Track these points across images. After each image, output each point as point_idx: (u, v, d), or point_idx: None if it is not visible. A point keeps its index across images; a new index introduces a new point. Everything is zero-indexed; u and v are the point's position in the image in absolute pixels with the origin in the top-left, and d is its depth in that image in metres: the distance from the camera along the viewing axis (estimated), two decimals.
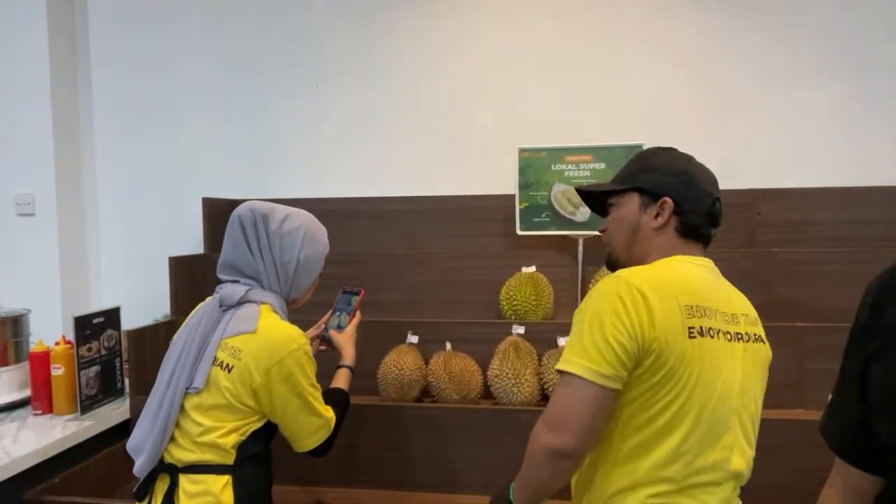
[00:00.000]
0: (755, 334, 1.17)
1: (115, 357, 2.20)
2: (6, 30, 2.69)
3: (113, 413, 2.12)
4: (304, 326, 1.68)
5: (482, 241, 2.56)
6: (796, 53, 2.49)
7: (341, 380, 1.66)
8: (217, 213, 2.59)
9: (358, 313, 1.79)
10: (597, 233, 2.31)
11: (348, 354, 1.72)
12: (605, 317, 1.05)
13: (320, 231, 1.57)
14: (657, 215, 1.21)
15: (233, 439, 1.36)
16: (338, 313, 1.80)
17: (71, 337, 2.07)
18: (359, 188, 2.71)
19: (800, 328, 2.03)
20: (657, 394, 1.06)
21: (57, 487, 1.76)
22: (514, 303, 2.24)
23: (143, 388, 2.15)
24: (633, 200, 1.24)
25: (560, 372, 1.08)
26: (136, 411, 2.15)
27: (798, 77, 2.49)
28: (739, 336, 1.13)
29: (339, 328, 1.76)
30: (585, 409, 1.03)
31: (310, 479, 2.01)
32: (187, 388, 1.37)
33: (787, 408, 1.99)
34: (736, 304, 1.17)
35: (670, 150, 1.31)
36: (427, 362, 2.12)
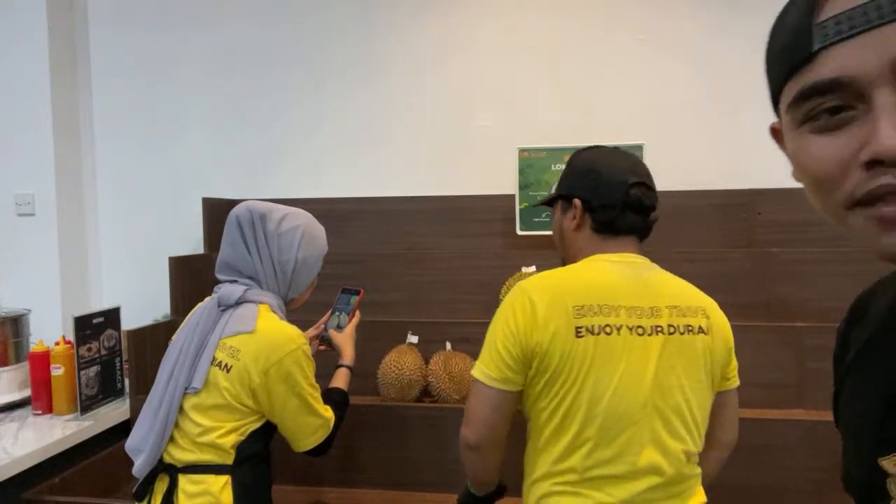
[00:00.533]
0: (686, 325, 1.17)
1: (115, 357, 2.20)
2: (6, 30, 2.69)
3: (113, 413, 2.12)
4: (304, 326, 1.68)
5: (482, 241, 2.55)
6: None
7: (340, 379, 1.66)
8: (217, 213, 2.59)
9: (357, 313, 1.79)
10: None
11: (347, 354, 1.71)
12: (497, 326, 1.18)
13: (318, 230, 1.57)
14: (574, 217, 1.28)
15: (232, 439, 1.36)
16: (337, 313, 1.80)
17: (71, 337, 2.07)
18: (359, 188, 2.71)
19: (800, 328, 2.03)
20: (550, 391, 1.15)
21: (57, 487, 1.76)
22: None
23: (143, 388, 2.15)
24: (557, 207, 1.34)
25: None
26: (136, 411, 2.15)
27: None
28: (658, 329, 1.15)
29: (339, 328, 1.76)
30: (483, 408, 1.18)
31: (309, 479, 2.01)
32: (186, 389, 1.37)
33: (786, 408, 1.99)
34: (662, 297, 1.18)
35: (587, 150, 1.35)
36: (427, 362, 2.12)
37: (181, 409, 1.38)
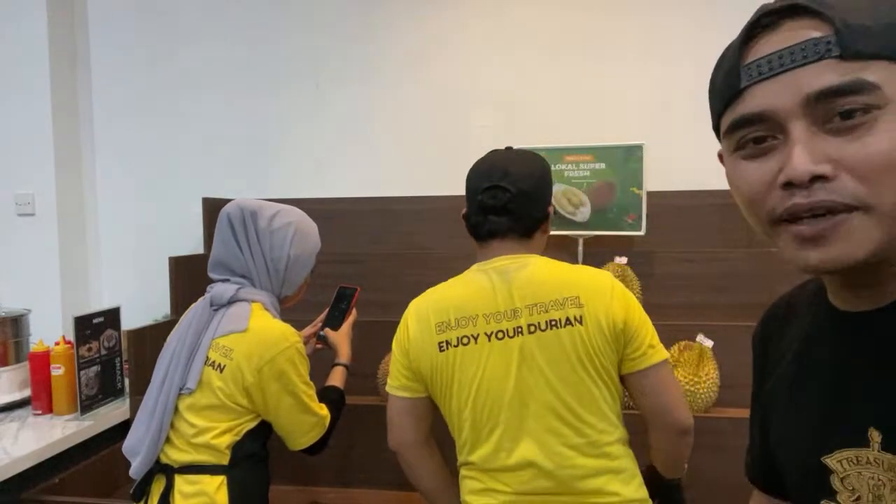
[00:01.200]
0: (548, 321, 1.18)
1: (115, 357, 2.20)
2: (6, 30, 2.69)
3: (113, 413, 2.12)
4: (300, 326, 1.69)
5: None
6: None
7: (336, 378, 1.66)
8: (217, 213, 2.59)
9: (354, 311, 1.79)
10: (597, 233, 2.32)
11: (344, 352, 1.72)
12: (393, 343, 1.34)
13: (311, 228, 1.56)
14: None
15: (227, 439, 1.35)
16: (334, 311, 1.79)
17: (71, 337, 2.07)
18: (359, 188, 2.71)
19: None
20: (435, 397, 1.29)
21: (57, 487, 1.77)
22: None
23: (142, 388, 2.13)
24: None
25: None
26: (136, 411, 2.14)
27: None
28: (518, 330, 1.20)
29: (335, 327, 1.76)
30: (392, 414, 1.34)
31: (309, 478, 2.01)
32: (180, 389, 1.36)
33: None
34: (523, 297, 1.21)
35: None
36: None
37: (176, 410, 1.37)
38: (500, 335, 1.20)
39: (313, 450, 1.49)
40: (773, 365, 0.72)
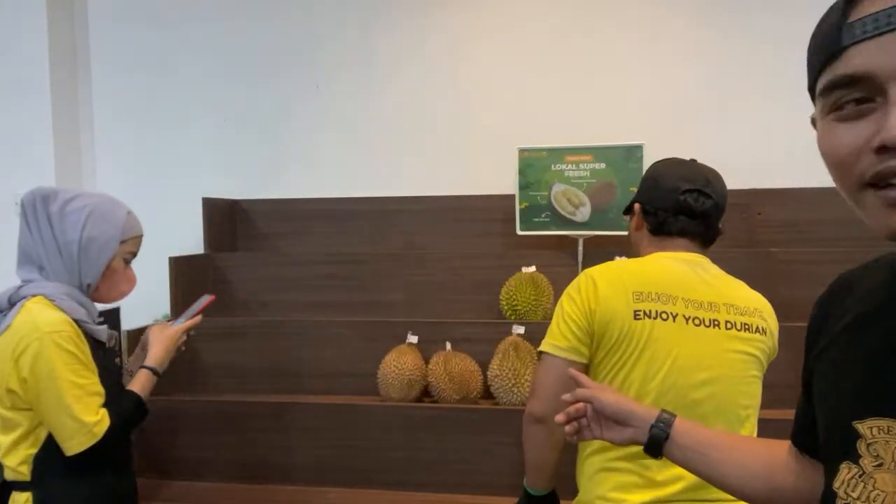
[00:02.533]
0: (743, 324, 1.23)
1: (114, 357, 2.20)
2: (6, 30, 2.69)
3: None
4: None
5: (482, 241, 2.55)
6: (797, 53, 2.48)
7: (138, 382, 1.46)
8: (217, 213, 2.60)
9: (198, 318, 1.63)
10: (597, 233, 2.32)
11: (154, 354, 1.51)
12: (562, 304, 1.27)
13: (115, 212, 1.43)
14: (634, 219, 1.39)
15: (22, 453, 1.27)
16: (187, 315, 1.66)
17: None
18: (359, 188, 2.71)
19: (800, 328, 2.01)
20: (606, 366, 1.23)
21: None
22: (515, 303, 2.24)
23: None
24: (630, 214, 1.43)
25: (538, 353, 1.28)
26: None
27: (799, 77, 2.48)
28: (715, 322, 1.22)
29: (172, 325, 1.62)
30: (550, 379, 1.22)
31: (309, 478, 2.01)
32: None
33: (786, 407, 1.99)
34: (720, 295, 1.25)
35: (660, 161, 1.44)
36: (427, 362, 2.12)
37: None
38: (696, 321, 1.21)
39: (93, 456, 1.30)
40: (827, 328, 0.73)
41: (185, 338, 1.58)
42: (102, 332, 1.42)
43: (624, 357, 1.21)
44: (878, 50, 0.53)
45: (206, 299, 1.70)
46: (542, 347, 1.26)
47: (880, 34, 0.53)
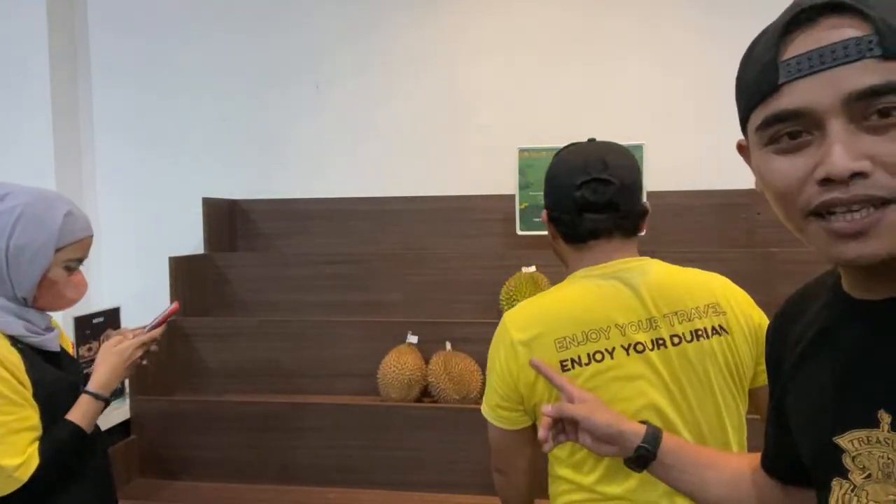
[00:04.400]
0: (693, 331, 1.07)
1: None
2: (6, 30, 2.69)
3: (113, 413, 2.12)
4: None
5: (482, 241, 2.55)
6: None
7: (77, 411, 1.27)
8: (217, 213, 2.60)
9: (160, 328, 1.51)
10: None
11: (99, 377, 1.34)
12: (490, 367, 1.16)
13: (50, 212, 1.23)
14: (549, 230, 1.21)
15: None
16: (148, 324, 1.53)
17: (71, 337, 2.07)
18: (359, 188, 2.71)
19: None
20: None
21: None
22: (514, 303, 2.23)
23: (142, 389, 2.16)
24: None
25: None
26: (136, 411, 2.16)
27: None
28: (660, 342, 1.06)
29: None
30: (497, 439, 1.17)
31: (309, 478, 2.01)
32: None
33: None
34: (660, 305, 1.08)
35: (560, 151, 1.27)
36: (427, 362, 2.12)
37: None
38: (639, 348, 1.06)
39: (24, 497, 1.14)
40: (788, 353, 0.74)
41: (140, 353, 1.42)
42: (51, 340, 1.28)
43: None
44: (817, 87, 0.56)
45: (169, 308, 1.55)
46: (482, 411, 1.17)
47: (814, 72, 0.56)
